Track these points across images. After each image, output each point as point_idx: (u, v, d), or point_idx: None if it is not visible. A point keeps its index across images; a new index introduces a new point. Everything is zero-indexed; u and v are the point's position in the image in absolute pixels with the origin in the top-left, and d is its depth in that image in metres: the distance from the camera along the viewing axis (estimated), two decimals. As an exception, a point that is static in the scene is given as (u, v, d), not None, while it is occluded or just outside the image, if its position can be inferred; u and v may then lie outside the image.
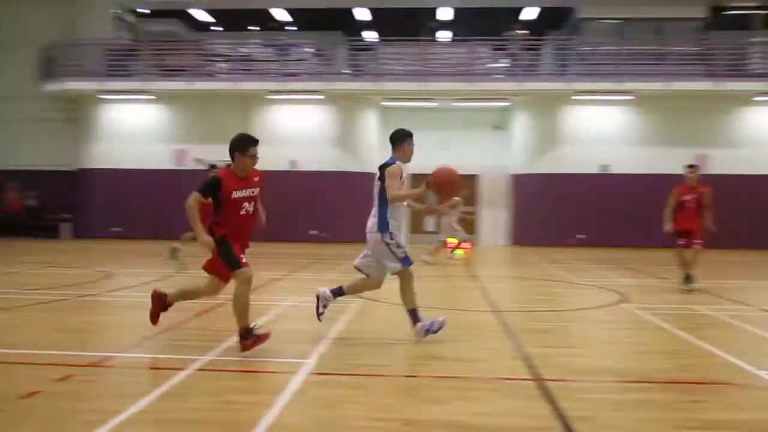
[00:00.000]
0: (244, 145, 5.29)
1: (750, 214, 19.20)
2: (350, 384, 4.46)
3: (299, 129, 20.55)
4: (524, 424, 3.68)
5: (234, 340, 5.35)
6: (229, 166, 5.42)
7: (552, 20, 21.83)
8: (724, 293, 9.49)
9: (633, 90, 19.02)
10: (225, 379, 4.58)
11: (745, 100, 19.44)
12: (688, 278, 9.53)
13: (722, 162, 19.65)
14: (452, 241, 14.53)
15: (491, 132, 21.77)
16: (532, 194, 20.23)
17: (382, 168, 5.86)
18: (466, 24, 22.31)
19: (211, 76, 20.69)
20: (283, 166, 19.84)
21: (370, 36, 22.37)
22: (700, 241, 9.41)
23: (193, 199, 5.15)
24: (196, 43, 21.79)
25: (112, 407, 3.80)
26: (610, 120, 20.22)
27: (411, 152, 6.09)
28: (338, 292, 6.02)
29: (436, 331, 5.77)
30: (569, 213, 19.73)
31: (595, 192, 19.82)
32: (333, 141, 20.61)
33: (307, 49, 21.12)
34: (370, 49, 20.81)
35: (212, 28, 24.51)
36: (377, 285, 6.07)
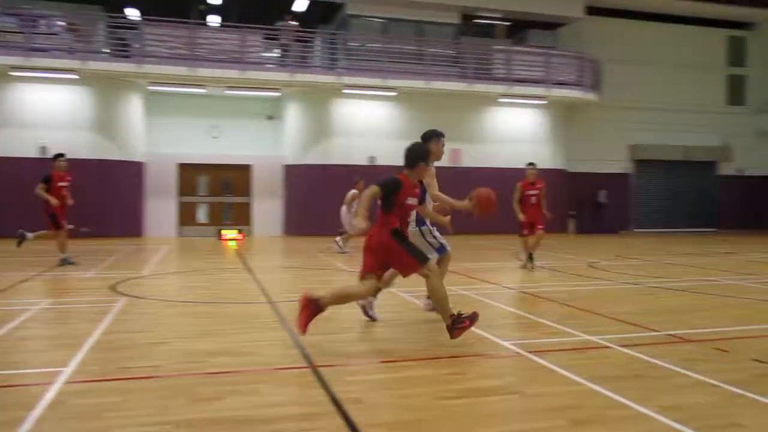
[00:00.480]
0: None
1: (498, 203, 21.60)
2: (117, 389, 4.14)
3: (50, 111, 18.46)
4: (300, 412, 3.74)
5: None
6: None
7: (322, 14, 22.33)
8: (476, 274, 10.58)
9: (397, 87, 20.26)
10: (-41, 398, 3.97)
11: (492, 100, 21.82)
12: (531, 258, 11.60)
13: (473, 156, 21.92)
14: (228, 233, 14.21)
15: (264, 122, 21.68)
16: (304, 185, 20.58)
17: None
18: (237, 10, 21.85)
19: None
20: (31, 152, 17.72)
21: (133, 14, 20.78)
22: (542, 227, 11.63)
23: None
24: None
25: None
26: (377, 114, 21.31)
27: (441, 152, 6.80)
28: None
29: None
30: (339, 203, 20.43)
31: (365, 183, 20.77)
32: (90, 126, 18.88)
33: (58, 23, 18.95)
34: (133, 28, 19.35)
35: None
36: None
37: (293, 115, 21.28)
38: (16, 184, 16.97)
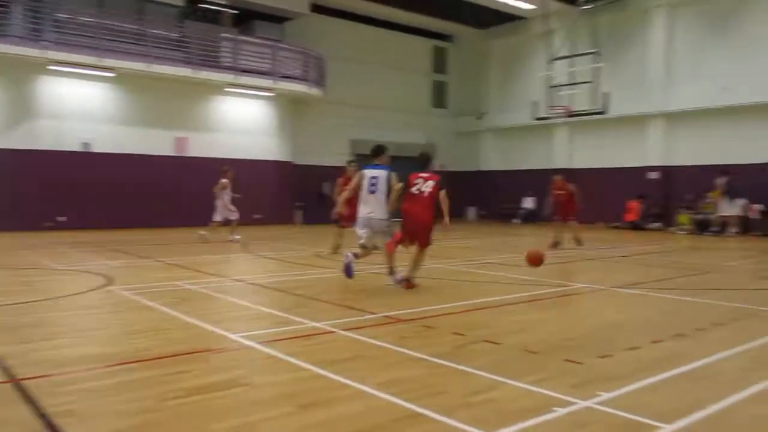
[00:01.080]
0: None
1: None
2: None
3: None
4: (-1, 434, 3.28)
5: None
6: None
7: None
8: (202, 267, 10.32)
9: (114, 67, 18.73)
10: None
11: (219, 89, 21.39)
12: (336, 248, 12.42)
13: (200, 145, 21.30)
14: None
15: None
16: (2, 171, 17.93)
17: (389, 174, 8.31)
18: None
19: None
20: None
21: None
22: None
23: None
24: None
25: None
26: (92, 95, 19.46)
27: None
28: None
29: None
30: (47, 193, 18.29)
31: (77, 171, 18.85)
32: None
33: None
34: None
35: None
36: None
37: (-14, 91, 18.36)
38: None
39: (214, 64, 20.82)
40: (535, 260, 9.42)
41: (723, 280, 9.76)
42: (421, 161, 8.66)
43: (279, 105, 23.30)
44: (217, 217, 15.44)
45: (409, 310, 6.74)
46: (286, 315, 6.44)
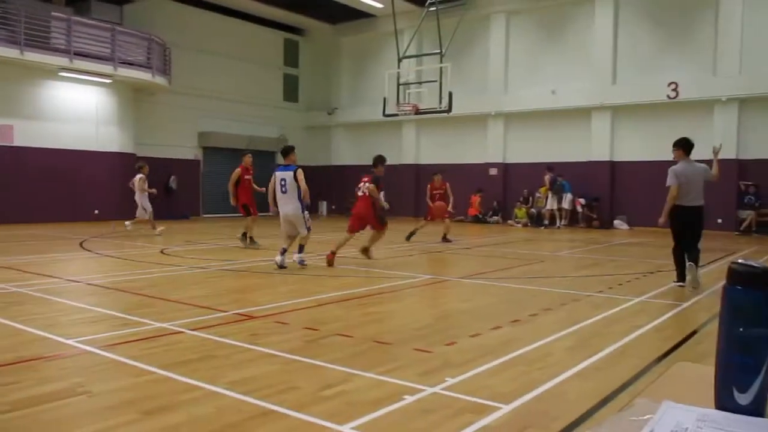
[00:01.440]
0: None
1: (59, 184, 19.73)
2: None
3: None
4: None
5: None
6: None
7: None
8: (31, 268, 9.48)
9: None
10: None
11: (51, 73, 19.63)
12: (248, 238, 13.19)
13: (28, 134, 19.47)
14: None
15: None
16: None
17: (296, 170, 9.81)
18: None
19: None
20: None
21: None
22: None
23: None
24: None
25: None
26: None
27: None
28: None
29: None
30: None
31: None
32: None
33: None
34: None
35: None
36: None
37: None
38: None
39: (45, 46, 19.09)
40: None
41: (553, 268, 10.64)
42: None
43: (118, 92, 21.83)
44: (140, 212, 15.70)
45: (261, 307, 6.66)
46: (128, 316, 6.09)
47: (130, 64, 21.00)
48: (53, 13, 19.84)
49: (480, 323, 6.04)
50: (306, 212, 9.97)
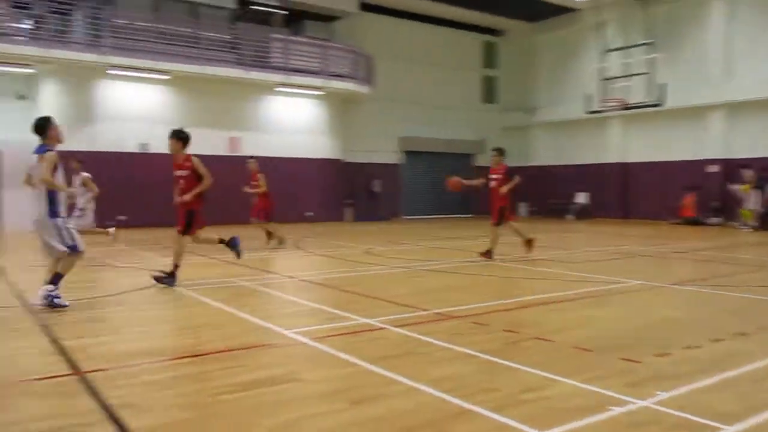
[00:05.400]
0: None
1: (278, 189, 21.69)
2: None
3: None
4: (67, 423, 3.41)
5: None
6: None
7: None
8: (257, 264, 10.51)
9: (169, 70, 19.22)
10: None
11: (270, 89, 21.72)
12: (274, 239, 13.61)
13: (251, 144, 21.68)
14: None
15: (15, 102, 19.15)
16: (66, 173, 18.63)
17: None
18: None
19: None
20: None
21: None
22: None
23: None
24: None
25: None
26: (148, 98, 20.04)
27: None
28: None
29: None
30: (108, 193, 18.89)
31: (135, 171, 19.45)
32: None
33: None
34: None
35: None
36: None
37: (50, 96, 19.09)
38: None
39: (265, 65, 21.16)
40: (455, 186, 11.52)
41: (789, 276, 9.36)
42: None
43: (329, 103, 23.49)
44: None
45: (461, 307, 6.71)
46: (337, 311, 6.49)
47: (339, 76, 22.47)
48: (273, 35, 21.93)
49: (696, 334, 5.51)
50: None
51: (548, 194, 27.91)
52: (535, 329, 5.69)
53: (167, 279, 8.12)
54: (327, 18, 24.02)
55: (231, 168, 21.21)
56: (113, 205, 18.92)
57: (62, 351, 4.88)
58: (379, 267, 10.31)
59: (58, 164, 6.67)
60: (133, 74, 19.11)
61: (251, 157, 14.23)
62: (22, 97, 19.26)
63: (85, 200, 12.50)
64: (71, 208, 10.99)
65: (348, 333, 5.57)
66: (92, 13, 18.93)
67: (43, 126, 6.72)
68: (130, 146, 19.56)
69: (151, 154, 19.87)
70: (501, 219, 11.39)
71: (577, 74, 26.65)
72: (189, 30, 20.09)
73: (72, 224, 6.97)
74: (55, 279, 6.63)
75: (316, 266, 10.89)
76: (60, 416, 3.55)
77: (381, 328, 5.70)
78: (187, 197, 8.20)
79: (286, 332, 5.53)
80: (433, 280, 9.07)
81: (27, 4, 17.75)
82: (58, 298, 6.57)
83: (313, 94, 22.74)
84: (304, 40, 22.69)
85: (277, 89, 21.80)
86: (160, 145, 19.89)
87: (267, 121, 22.28)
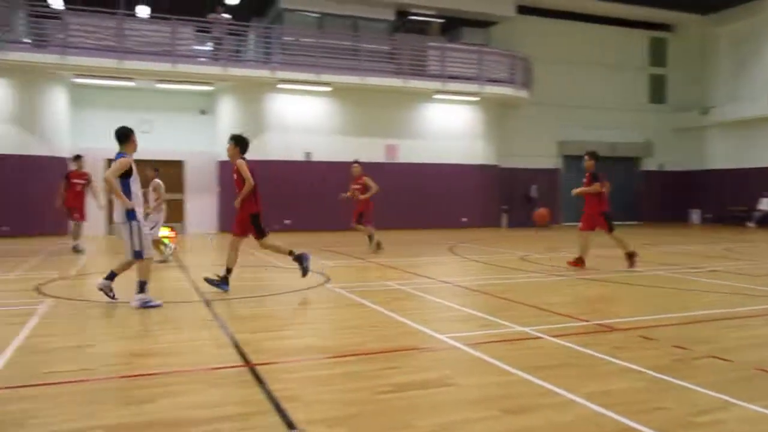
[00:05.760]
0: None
1: (433, 195, 21.99)
2: (42, 395, 3.97)
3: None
4: (236, 412, 3.69)
5: None
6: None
7: (256, 7, 22.00)
8: (411, 268, 10.68)
9: (331, 82, 20.17)
10: None
11: (427, 96, 22.04)
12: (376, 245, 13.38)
13: (409, 152, 22.14)
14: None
15: (197, 116, 21.17)
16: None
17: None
18: (167, 1, 21.22)
19: None
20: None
21: (56, 2, 19.87)
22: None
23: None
24: None
25: None
26: (312, 109, 21.18)
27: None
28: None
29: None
30: (275, 199, 20.21)
31: (300, 178, 20.63)
32: (8, 119, 17.96)
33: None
34: (55, 17, 18.50)
35: None
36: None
37: (227, 110, 20.87)
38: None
39: (423, 73, 21.52)
40: (542, 219, 11.29)
41: None
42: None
43: (485, 109, 23.35)
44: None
45: (623, 319, 6.34)
46: (492, 318, 6.42)
47: (495, 81, 22.26)
48: (430, 44, 22.25)
49: None
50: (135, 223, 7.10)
51: (726, 200, 25.58)
52: (710, 346, 5.23)
53: (218, 282, 8.12)
54: (484, 24, 23.92)
55: (388, 175, 21.84)
56: (280, 210, 20.21)
57: (235, 343, 5.29)
58: (535, 274, 10.04)
59: (132, 170, 6.97)
60: (299, 87, 20.31)
61: (356, 162, 14.26)
62: (203, 112, 21.22)
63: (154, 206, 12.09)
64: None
65: (503, 341, 5.48)
66: (264, 32, 20.43)
67: (126, 135, 7.07)
68: (296, 155, 20.76)
69: (314, 162, 20.96)
70: (608, 225, 10.64)
71: (762, 69, 24.18)
72: (349, 43, 20.98)
73: (147, 229, 7.30)
74: (140, 286, 6.97)
75: (471, 272, 10.84)
76: (231, 404, 3.85)
77: (537, 338, 5.54)
78: (237, 202, 8.28)
79: (441, 336, 5.56)
80: (592, 289, 8.66)
81: (208, 27, 19.53)
82: (150, 302, 6.96)
83: (470, 100, 22.73)
84: (461, 46, 22.76)
85: (435, 97, 22.06)
86: (323, 154, 21.10)
87: (423, 128, 22.63)
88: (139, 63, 18.04)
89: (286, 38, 20.51)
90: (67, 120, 19.50)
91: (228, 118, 20.81)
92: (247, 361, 4.74)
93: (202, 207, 20.86)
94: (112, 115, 20.24)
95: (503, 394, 4.01)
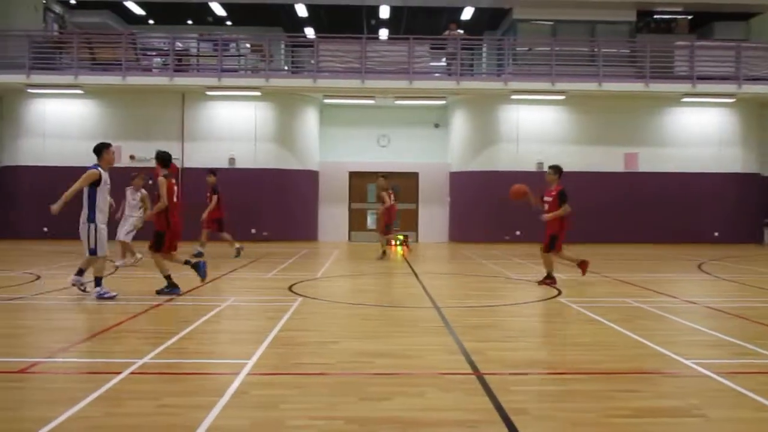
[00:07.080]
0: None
1: (678, 207, 20.19)
2: (292, 383, 4.43)
3: (235, 125, 20.18)
4: (465, 418, 3.74)
5: (170, 342, 5.25)
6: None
7: (489, 21, 22.23)
8: (651, 285, 9.90)
9: (566, 90, 19.55)
10: (161, 382, 4.47)
11: (673, 101, 20.30)
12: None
13: (652, 160, 20.57)
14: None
15: (431, 130, 22.00)
16: (469, 191, 20.55)
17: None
18: (405, 23, 22.45)
19: (146, 70, 20.08)
20: (221, 162, 19.47)
21: (310, 32, 22.19)
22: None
23: None
24: (130, 36, 21.02)
25: (44, 414, 3.65)
26: (545, 118, 20.73)
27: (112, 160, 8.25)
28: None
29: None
30: (506, 210, 20.13)
31: (531, 189, 20.26)
32: (272, 138, 20.37)
33: (247, 45, 20.89)
34: (309, 46, 20.63)
35: (147, 21, 23.77)
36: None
37: (460, 123, 21.36)
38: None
39: (668, 75, 19.87)
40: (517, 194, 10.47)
41: None
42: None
43: (742, 111, 20.80)
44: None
45: None
46: (748, 345, 5.68)
47: (756, 79, 19.73)
48: (676, 43, 20.48)
49: None
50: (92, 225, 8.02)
51: None
52: None
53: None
54: (741, 16, 21.37)
55: (628, 185, 20.54)
56: (508, 221, 19.97)
57: (464, 351, 5.37)
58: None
59: (101, 179, 7.85)
60: (531, 97, 20.02)
61: (382, 176, 14.87)
62: (437, 126, 21.99)
63: (137, 215, 11.89)
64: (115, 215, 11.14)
65: (762, 372, 4.82)
66: (496, 44, 20.55)
67: (100, 150, 8.07)
68: (527, 165, 20.40)
69: (545, 172, 20.45)
70: (550, 247, 9.91)
71: None
72: (586, 49, 20.18)
73: (105, 230, 8.05)
74: (96, 280, 8.03)
75: (723, 292, 9.72)
76: (459, 410, 3.91)
77: (808, 372, 4.78)
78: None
79: (687, 362, 5.07)
80: None
81: (443, 44, 20.19)
82: (106, 293, 7.92)
83: (724, 102, 20.43)
84: (714, 43, 20.57)
85: (683, 100, 20.21)
86: (555, 162, 20.46)
87: (667, 134, 20.84)
88: (379, 82, 19.29)
89: (518, 49, 20.41)
90: (316, 137, 21.56)
91: (460, 130, 21.29)
92: (475, 370, 4.79)
93: (432, 216, 21.57)
94: (352, 132, 22.06)
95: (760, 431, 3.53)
